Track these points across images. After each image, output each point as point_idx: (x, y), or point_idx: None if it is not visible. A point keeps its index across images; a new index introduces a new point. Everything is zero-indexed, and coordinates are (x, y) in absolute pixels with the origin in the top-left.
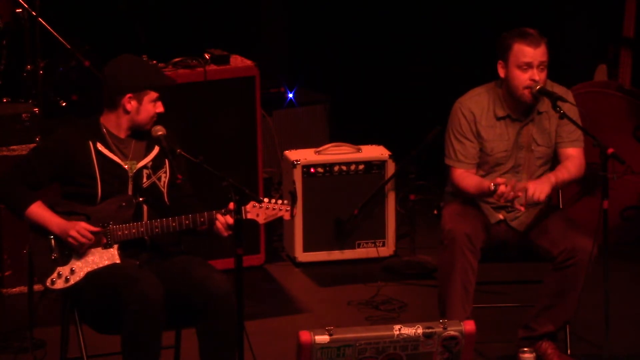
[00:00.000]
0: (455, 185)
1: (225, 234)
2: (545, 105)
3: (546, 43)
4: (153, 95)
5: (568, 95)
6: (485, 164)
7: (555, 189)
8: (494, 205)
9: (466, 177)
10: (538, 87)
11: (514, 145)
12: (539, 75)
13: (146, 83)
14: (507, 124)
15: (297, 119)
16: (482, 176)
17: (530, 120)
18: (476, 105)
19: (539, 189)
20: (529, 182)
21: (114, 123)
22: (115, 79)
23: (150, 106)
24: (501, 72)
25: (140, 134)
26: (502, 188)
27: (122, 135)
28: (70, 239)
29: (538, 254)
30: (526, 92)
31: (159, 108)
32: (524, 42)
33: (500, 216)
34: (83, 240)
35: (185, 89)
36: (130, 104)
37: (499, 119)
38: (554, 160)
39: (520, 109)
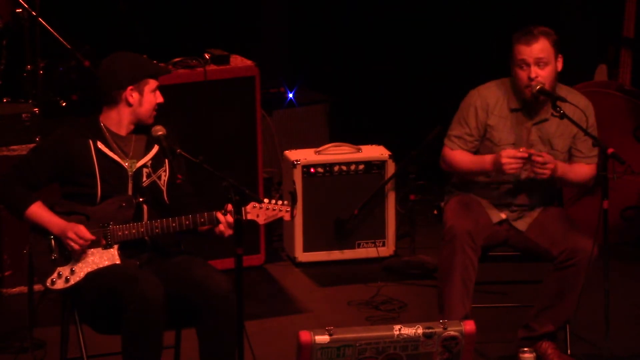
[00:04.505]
0: (447, 163)
1: (227, 233)
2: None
3: (549, 38)
4: (153, 84)
5: (589, 107)
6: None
7: (555, 185)
8: (496, 202)
9: (461, 156)
10: (538, 87)
11: (525, 143)
12: (536, 72)
13: (145, 72)
14: (520, 119)
15: (297, 119)
16: None
17: (544, 120)
18: (492, 94)
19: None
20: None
21: (115, 120)
22: (114, 74)
23: (151, 96)
24: (512, 70)
25: (140, 130)
26: (510, 152)
27: (123, 132)
28: (68, 241)
29: (538, 254)
30: (526, 90)
31: (159, 98)
32: (519, 40)
33: (503, 215)
34: (81, 242)
35: (185, 89)
36: (132, 97)
37: (512, 110)
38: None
39: (529, 106)
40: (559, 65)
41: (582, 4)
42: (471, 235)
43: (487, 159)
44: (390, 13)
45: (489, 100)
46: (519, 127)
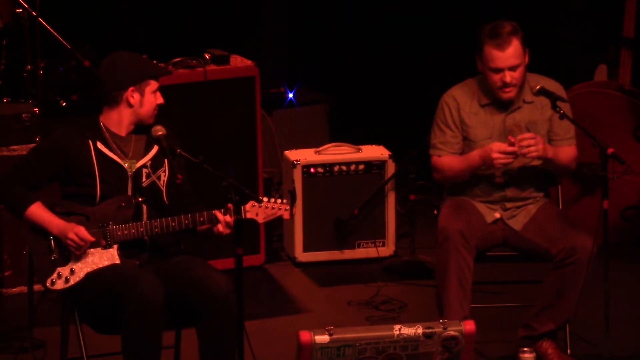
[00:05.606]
0: (438, 171)
1: (225, 232)
2: (531, 94)
3: (518, 37)
4: (153, 85)
5: (559, 89)
6: None
7: (545, 173)
8: (488, 200)
9: (449, 160)
10: (538, 88)
11: (501, 134)
12: (510, 77)
13: (146, 73)
14: (492, 112)
15: (297, 119)
16: None
17: (516, 109)
18: (460, 93)
19: (542, 151)
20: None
21: (115, 121)
22: (114, 75)
23: (152, 97)
24: (479, 66)
25: (140, 130)
26: (497, 147)
27: (123, 132)
28: (68, 241)
29: (537, 253)
30: (499, 92)
31: (159, 99)
32: (492, 44)
33: (497, 215)
34: (81, 243)
35: (185, 89)
36: (133, 98)
37: (483, 105)
38: None
39: (499, 99)
40: (527, 59)
41: (582, 4)
42: (464, 235)
43: (474, 155)
44: (390, 13)
45: (458, 99)
46: (492, 120)
